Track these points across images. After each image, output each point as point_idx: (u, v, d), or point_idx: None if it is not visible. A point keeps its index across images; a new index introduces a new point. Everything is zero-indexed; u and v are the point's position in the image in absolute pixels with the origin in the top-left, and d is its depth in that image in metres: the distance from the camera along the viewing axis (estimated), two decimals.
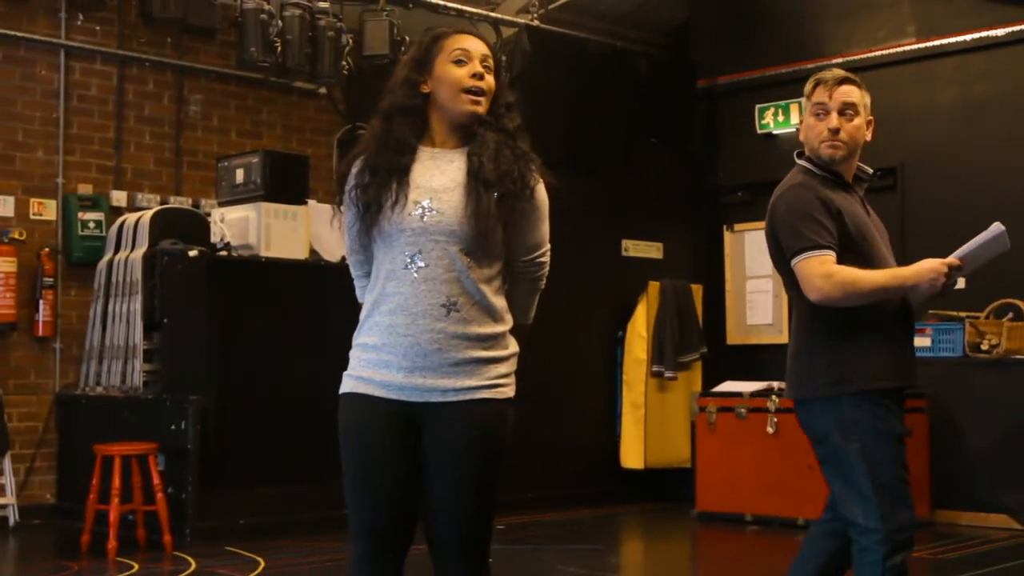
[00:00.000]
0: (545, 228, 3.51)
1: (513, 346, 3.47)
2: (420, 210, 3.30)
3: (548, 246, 3.54)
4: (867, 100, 4.15)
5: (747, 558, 8.29)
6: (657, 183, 11.12)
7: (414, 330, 3.28)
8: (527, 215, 3.42)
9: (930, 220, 9.71)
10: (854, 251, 3.96)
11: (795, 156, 4.22)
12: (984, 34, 9.71)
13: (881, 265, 4.00)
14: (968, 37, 9.78)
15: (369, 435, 3.33)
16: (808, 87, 4.16)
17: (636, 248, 10.97)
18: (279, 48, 9.82)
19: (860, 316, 3.94)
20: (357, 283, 3.55)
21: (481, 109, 3.39)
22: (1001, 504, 8.86)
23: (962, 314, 9.13)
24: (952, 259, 3.90)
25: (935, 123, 9.98)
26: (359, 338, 3.40)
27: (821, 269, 3.88)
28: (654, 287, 10.54)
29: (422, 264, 3.29)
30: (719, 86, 11.37)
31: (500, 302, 3.41)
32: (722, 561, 8.37)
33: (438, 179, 3.35)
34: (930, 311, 9.26)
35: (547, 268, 3.55)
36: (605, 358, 10.69)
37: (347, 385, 3.39)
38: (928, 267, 3.89)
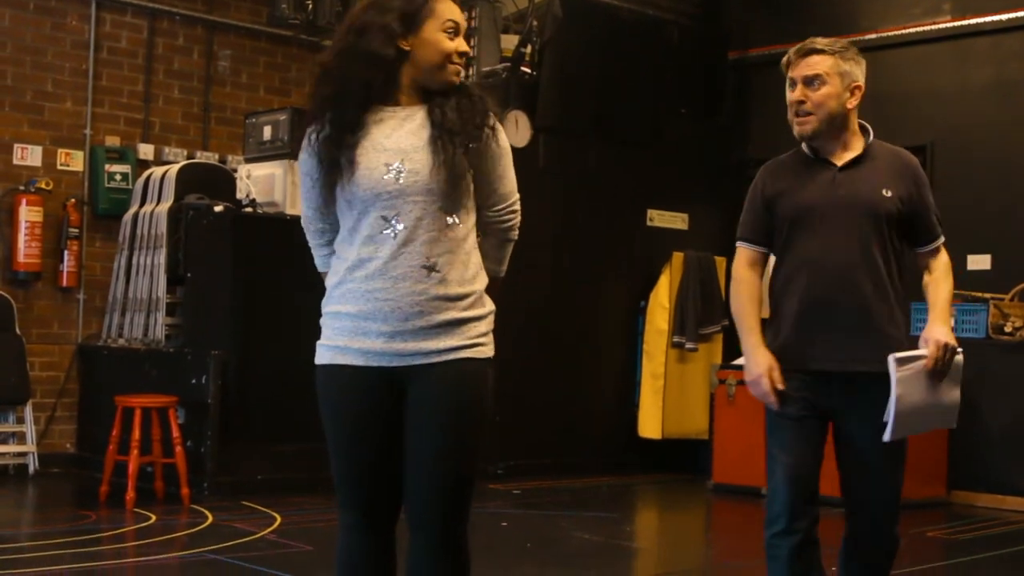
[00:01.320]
0: (512, 177, 3.45)
1: (489, 304, 3.39)
2: (394, 172, 3.24)
3: (517, 196, 3.48)
4: (846, 67, 3.97)
5: (761, 531, 8.28)
6: (685, 153, 11.07)
7: (395, 294, 3.24)
8: (495, 161, 3.36)
9: (959, 199, 9.64)
10: (783, 237, 4.02)
11: None
12: (1020, 14, 9.61)
13: (804, 250, 3.96)
14: (1004, 17, 9.69)
15: (351, 407, 3.31)
16: (783, 63, 4.08)
17: (661, 218, 10.94)
18: (310, 6, 9.83)
19: (775, 301, 4.06)
20: (317, 252, 3.50)
21: (459, 79, 3.36)
22: (1018, 486, 8.84)
23: (986, 296, 9.09)
24: (775, 374, 3.93)
25: (968, 102, 9.91)
26: (330, 306, 3.35)
27: (735, 262, 4.13)
28: (678, 258, 10.51)
29: (401, 226, 3.24)
30: (751, 58, 11.30)
31: (476, 259, 3.37)
32: (736, 533, 8.37)
33: (406, 140, 3.28)
34: (954, 291, 9.22)
35: (518, 219, 3.49)
36: (626, 327, 10.67)
37: (323, 356, 3.35)
38: (755, 370, 3.98)
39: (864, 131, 4.06)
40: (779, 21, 11.06)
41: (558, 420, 10.10)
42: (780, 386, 3.91)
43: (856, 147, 4.02)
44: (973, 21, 9.86)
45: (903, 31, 10.19)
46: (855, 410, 3.92)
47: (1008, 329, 8.96)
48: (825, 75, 3.93)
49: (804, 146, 4.06)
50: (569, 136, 10.26)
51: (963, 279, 9.42)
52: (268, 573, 5.91)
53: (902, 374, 3.74)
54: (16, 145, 9.28)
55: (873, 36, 10.27)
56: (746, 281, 4.09)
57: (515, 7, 10.42)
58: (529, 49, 10.00)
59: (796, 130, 3.99)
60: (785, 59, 4.05)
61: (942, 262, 4.12)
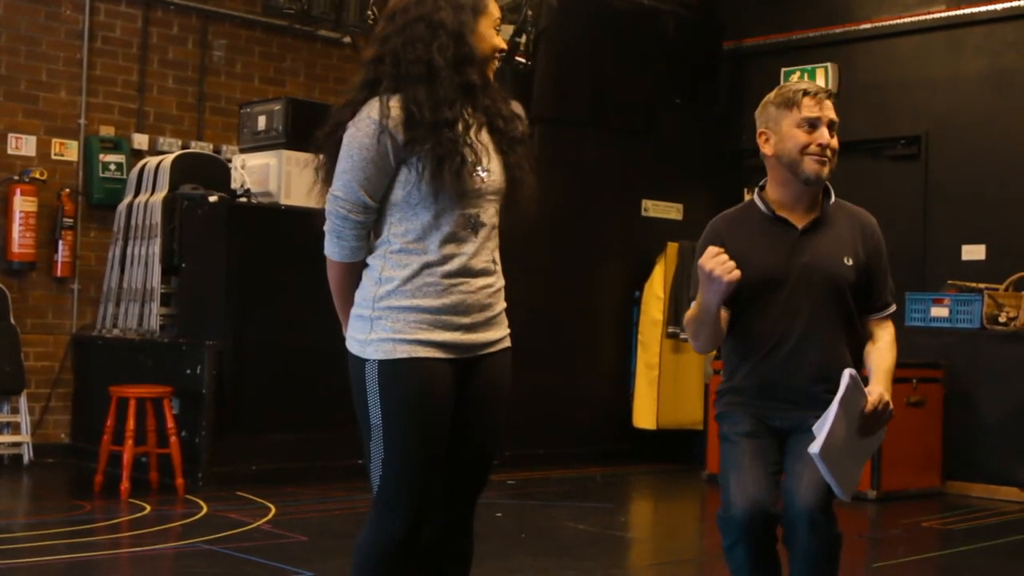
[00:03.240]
0: None
1: None
2: (483, 170, 3.36)
3: None
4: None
5: None
6: (680, 144, 11.07)
7: (475, 287, 3.36)
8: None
9: (954, 189, 9.66)
10: (741, 302, 3.82)
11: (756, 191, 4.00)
12: (1015, 3, 9.62)
13: (761, 318, 3.81)
14: (998, 7, 9.69)
15: (436, 400, 3.32)
16: (788, 95, 3.88)
17: (656, 208, 10.93)
18: None
19: (729, 361, 3.94)
20: (354, 241, 3.37)
21: None
22: (1013, 477, 8.86)
23: (981, 286, 9.10)
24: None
25: (962, 92, 9.91)
26: (404, 300, 3.31)
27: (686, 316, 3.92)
28: (672, 248, 10.51)
29: (483, 224, 3.38)
30: (745, 48, 11.30)
31: None
32: None
33: (483, 139, 3.38)
34: (949, 281, 9.24)
35: None
36: (621, 318, 10.68)
37: (402, 350, 3.30)
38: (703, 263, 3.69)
39: (825, 191, 3.91)
40: (774, 11, 11.07)
41: (553, 410, 10.10)
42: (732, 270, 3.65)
43: (817, 206, 3.88)
44: (968, 11, 9.86)
45: (898, 21, 10.19)
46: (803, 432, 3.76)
47: (1002, 319, 8.97)
48: (837, 123, 3.88)
49: (759, 201, 3.90)
50: (564, 126, 10.25)
51: (958, 269, 9.47)
52: (263, 564, 5.91)
53: (849, 395, 3.54)
54: (10, 135, 9.26)
55: (868, 26, 10.28)
56: (688, 314, 3.90)
57: None
58: (524, 39, 10.00)
59: (812, 169, 3.79)
60: (796, 94, 3.88)
61: (889, 332, 3.89)
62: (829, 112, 3.85)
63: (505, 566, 6.03)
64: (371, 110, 3.29)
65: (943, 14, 10.02)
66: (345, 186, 3.31)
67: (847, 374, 3.56)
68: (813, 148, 3.80)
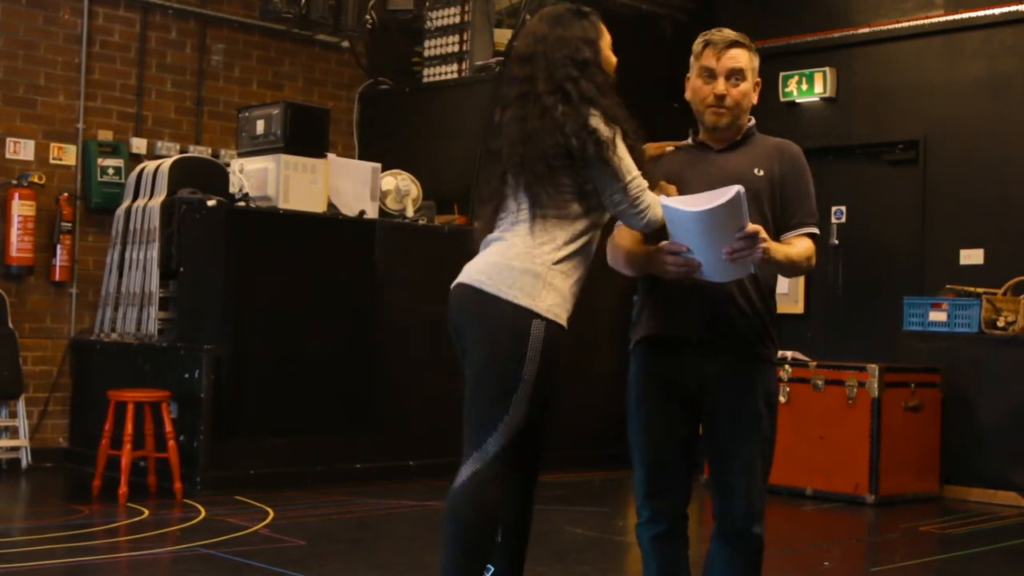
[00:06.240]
0: None
1: None
2: None
3: None
4: (756, 63, 3.97)
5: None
6: None
7: None
8: None
9: (952, 194, 9.66)
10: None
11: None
12: (1013, 8, 9.61)
13: None
14: (996, 11, 9.69)
15: None
16: (697, 47, 3.99)
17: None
18: (303, 0, 9.81)
19: (646, 286, 4.16)
20: None
21: None
22: (1011, 481, 8.85)
23: (979, 290, 9.10)
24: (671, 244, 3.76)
25: (960, 97, 9.91)
26: (571, 274, 4.03)
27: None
28: None
29: None
30: None
31: None
32: None
33: None
34: (947, 285, 9.24)
35: None
36: (619, 320, 10.63)
37: (565, 319, 3.84)
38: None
39: (748, 120, 4.01)
40: (772, 16, 11.06)
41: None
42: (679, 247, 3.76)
43: (738, 136, 3.98)
44: (965, 15, 9.86)
45: (896, 25, 10.18)
46: (717, 390, 3.89)
47: (1001, 323, 8.97)
48: (745, 70, 3.89)
49: (691, 138, 4.06)
50: None
51: (956, 273, 9.47)
52: (261, 568, 5.90)
53: (731, 207, 3.47)
54: (9, 139, 9.26)
55: (866, 30, 10.27)
56: (612, 245, 4.19)
57: (508, 1, 10.41)
58: None
59: (710, 120, 3.92)
60: (700, 46, 3.97)
61: (802, 243, 3.80)
62: (729, 62, 3.88)
63: None
64: None
65: (941, 19, 10.02)
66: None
67: (736, 187, 3.48)
68: (710, 99, 3.90)
